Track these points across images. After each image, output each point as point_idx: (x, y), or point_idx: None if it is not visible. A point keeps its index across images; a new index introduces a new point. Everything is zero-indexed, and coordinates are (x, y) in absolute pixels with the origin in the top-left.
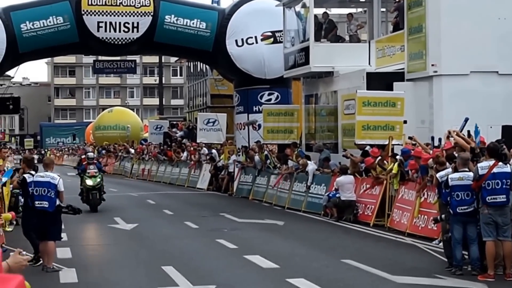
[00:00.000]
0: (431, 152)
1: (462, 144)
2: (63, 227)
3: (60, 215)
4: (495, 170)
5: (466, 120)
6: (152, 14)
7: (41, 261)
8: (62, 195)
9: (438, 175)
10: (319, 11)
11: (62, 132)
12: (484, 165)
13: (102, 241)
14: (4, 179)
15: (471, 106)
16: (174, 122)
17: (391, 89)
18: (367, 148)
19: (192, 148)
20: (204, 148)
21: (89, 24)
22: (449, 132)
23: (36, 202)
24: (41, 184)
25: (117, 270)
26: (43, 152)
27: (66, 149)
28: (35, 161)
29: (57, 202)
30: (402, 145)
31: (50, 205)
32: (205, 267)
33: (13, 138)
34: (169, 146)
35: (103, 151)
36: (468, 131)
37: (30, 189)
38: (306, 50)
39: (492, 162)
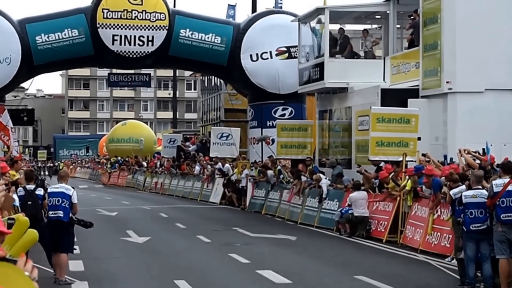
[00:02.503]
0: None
1: (471, 163)
2: (75, 239)
3: (72, 228)
4: (510, 187)
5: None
6: (167, 28)
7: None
8: (76, 207)
9: (451, 192)
10: (335, 27)
11: (75, 144)
12: (499, 182)
13: (114, 254)
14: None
15: (485, 123)
16: (188, 136)
17: (406, 106)
18: (381, 164)
19: (204, 162)
20: (220, 163)
21: (104, 37)
22: (459, 151)
23: (51, 212)
24: (55, 194)
25: (130, 283)
26: (56, 164)
27: (79, 161)
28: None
29: (70, 214)
30: (415, 161)
31: (65, 215)
32: (218, 282)
33: (26, 150)
34: (182, 159)
35: (116, 165)
36: (483, 149)
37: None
38: (320, 66)
39: (507, 179)
